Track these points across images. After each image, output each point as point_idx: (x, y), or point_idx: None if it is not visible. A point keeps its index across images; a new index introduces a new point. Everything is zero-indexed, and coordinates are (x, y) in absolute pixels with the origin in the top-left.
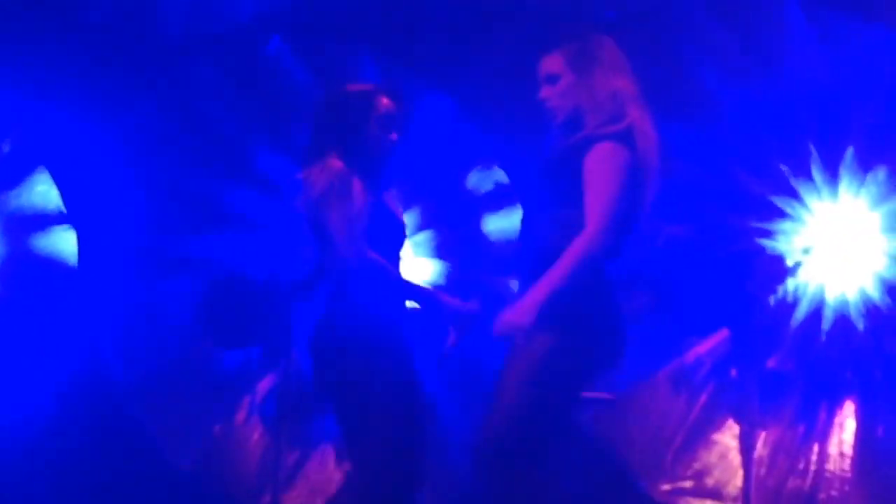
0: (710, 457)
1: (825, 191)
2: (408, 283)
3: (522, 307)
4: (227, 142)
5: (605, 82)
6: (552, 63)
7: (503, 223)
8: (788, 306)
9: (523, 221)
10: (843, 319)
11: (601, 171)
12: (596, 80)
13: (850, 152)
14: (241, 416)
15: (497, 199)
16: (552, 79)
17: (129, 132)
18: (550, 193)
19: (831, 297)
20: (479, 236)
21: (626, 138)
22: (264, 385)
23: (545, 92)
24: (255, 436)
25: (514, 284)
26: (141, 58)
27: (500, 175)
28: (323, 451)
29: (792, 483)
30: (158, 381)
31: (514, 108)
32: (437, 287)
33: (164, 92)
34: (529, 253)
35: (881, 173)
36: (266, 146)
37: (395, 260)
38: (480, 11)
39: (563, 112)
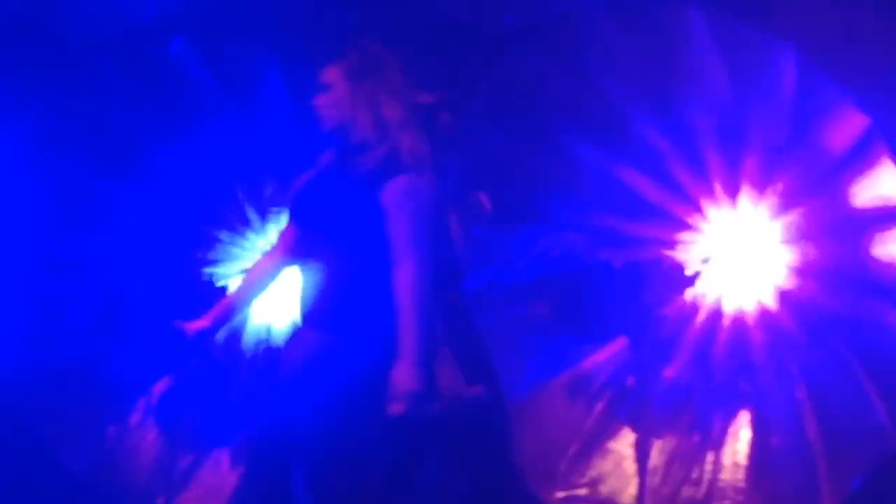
0: (605, 465)
1: (725, 200)
2: None
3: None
4: (128, 142)
5: (373, 99)
6: (329, 73)
7: None
8: (686, 316)
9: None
10: (740, 330)
11: (403, 207)
12: (363, 97)
13: (751, 161)
14: (135, 417)
15: None
16: (326, 88)
17: (27, 131)
18: (329, 217)
19: (729, 308)
20: None
21: (396, 164)
22: (160, 387)
23: (319, 100)
24: (150, 438)
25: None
26: (41, 57)
27: None
28: (217, 454)
29: (686, 492)
30: (53, 381)
31: None
32: None
33: (64, 91)
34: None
35: (782, 183)
36: (167, 147)
37: None
38: (383, 15)
39: (330, 122)
